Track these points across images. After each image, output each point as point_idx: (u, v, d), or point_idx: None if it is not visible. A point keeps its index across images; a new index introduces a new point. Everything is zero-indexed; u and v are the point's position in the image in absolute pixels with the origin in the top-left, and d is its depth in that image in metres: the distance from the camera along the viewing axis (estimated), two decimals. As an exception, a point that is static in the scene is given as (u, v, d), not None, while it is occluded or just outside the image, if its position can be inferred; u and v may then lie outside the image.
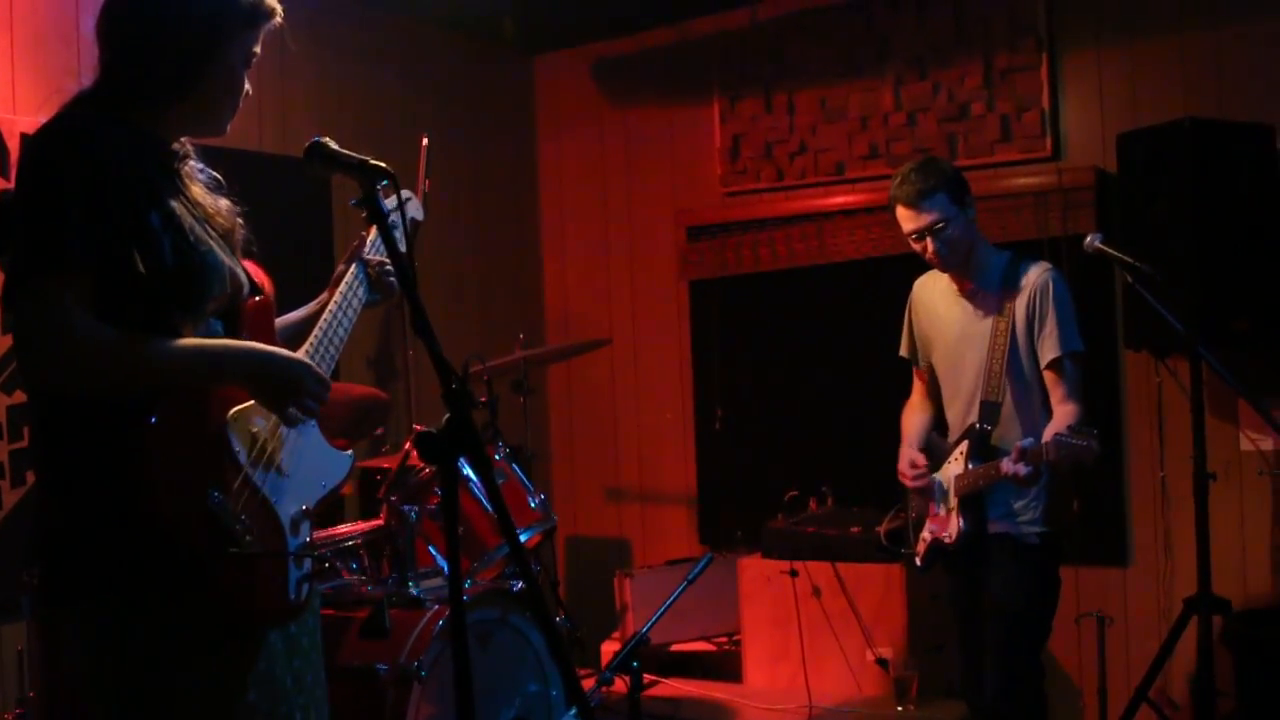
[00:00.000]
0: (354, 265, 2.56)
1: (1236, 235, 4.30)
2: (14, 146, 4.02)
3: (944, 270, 3.74)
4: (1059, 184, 4.97)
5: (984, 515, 3.66)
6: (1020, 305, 3.63)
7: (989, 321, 3.67)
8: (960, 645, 3.92)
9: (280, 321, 2.49)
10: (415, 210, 2.86)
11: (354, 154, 2.20)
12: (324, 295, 2.58)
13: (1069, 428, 3.35)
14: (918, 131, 5.33)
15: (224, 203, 2.39)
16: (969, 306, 3.73)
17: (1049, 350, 3.59)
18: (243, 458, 2.19)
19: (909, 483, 3.82)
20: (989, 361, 3.65)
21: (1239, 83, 4.69)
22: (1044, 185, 5.01)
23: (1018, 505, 3.63)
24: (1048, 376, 3.62)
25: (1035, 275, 3.65)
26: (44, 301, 2.04)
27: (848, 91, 5.49)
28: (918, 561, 3.86)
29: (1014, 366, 3.64)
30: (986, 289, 3.70)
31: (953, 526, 3.68)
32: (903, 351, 4.01)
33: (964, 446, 3.69)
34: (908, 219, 3.65)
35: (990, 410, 3.64)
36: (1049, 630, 3.74)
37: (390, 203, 2.52)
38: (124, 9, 2.25)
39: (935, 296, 3.85)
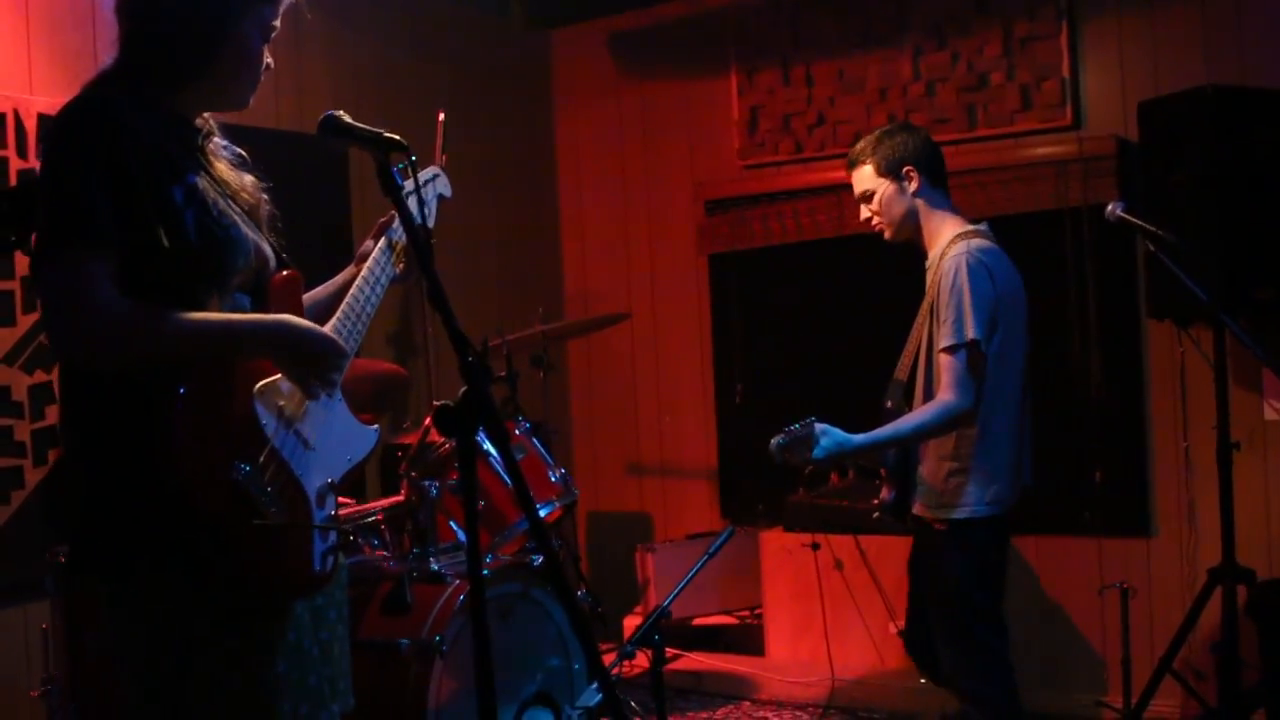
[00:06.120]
0: (381, 241, 2.55)
1: (1259, 203, 4.25)
2: (31, 127, 4.03)
3: (887, 239, 3.75)
4: (1079, 153, 4.93)
5: (908, 486, 3.63)
6: (933, 289, 3.57)
7: (926, 301, 3.64)
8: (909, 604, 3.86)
9: (306, 297, 2.50)
10: (443, 187, 2.85)
11: (368, 127, 2.20)
12: (349, 270, 2.58)
13: (787, 430, 3.37)
14: (937, 102, 5.29)
15: (249, 179, 2.41)
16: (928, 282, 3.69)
17: (940, 339, 3.50)
18: (270, 430, 2.20)
19: None
20: (912, 341, 3.65)
21: (1261, 49, 4.63)
22: (1064, 154, 4.97)
23: (928, 490, 3.56)
24: (936, 363, 3.53)
25: (947, 259, 3.54)
26: (70, 275, 2.06)
27: (866, 62, 5.45)
28: (875, 515, 3.86)
29: (929, 350, 3.58)
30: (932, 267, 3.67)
31: (884, 494, 3.72)
32: None
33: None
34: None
35: (896, 387, 3.64)
36: (983, 607, 3.54)
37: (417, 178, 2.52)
38: None
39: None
